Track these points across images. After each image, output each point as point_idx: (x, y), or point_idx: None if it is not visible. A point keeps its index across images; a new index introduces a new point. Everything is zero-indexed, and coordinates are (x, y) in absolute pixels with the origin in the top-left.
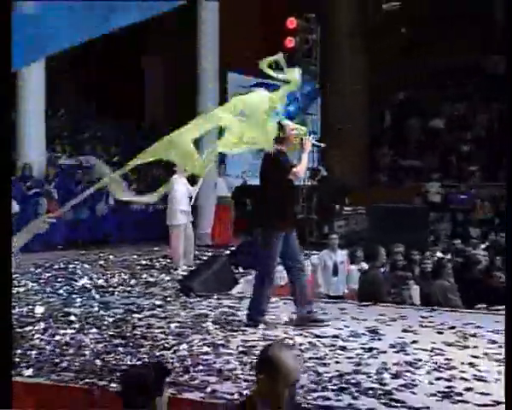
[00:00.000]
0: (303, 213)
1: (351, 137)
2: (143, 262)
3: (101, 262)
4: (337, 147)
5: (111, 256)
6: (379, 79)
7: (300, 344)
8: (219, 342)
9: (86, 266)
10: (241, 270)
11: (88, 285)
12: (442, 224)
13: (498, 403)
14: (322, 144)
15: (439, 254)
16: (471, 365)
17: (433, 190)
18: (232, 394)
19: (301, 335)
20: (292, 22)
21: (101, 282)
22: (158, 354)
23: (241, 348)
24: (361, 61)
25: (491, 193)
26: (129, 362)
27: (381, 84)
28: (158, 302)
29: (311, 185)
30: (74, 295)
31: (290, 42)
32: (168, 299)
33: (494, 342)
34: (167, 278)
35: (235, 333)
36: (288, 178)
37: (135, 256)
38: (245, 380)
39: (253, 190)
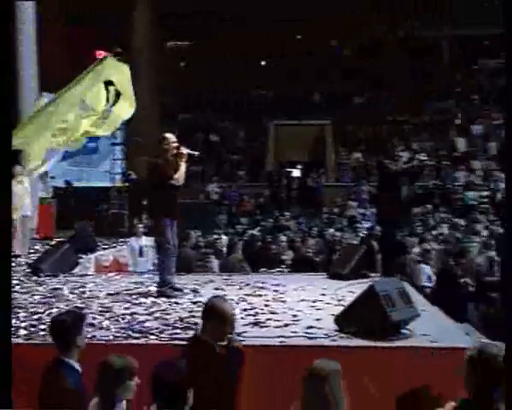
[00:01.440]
0: (116, 208)
1: (151, 147)
2: None
3: None
4: (142, 154)
5: None
6: (170, 100)
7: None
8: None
9: None
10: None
11: None
12: (222, 215)
13: (286, 325)
14: (197, 153)
15: (224, 237)
16: (266, 305)
17: (213, 190)
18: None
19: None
20: (100, 54)
21: None
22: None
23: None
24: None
25: (253, 191)
26: None
27: (172, 104)
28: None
29: (124, 186)
30: None
31: None
32: (22, 279)
33: (276, 291)
34: None
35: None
36: (170, 183)
37: None
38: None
39: (78, 190)
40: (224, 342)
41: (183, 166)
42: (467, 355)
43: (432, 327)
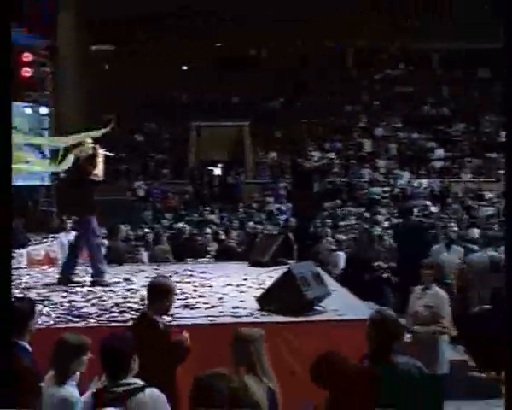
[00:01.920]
0: (45, 206)
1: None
2: None
3: None
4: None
5: None
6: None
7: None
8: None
9: None
10: None
11: None
12: (147, 211)
13: (213, 306)
14: (111, 154)
15: (147, 230)
16: (194, 290)
17: (139, 187)
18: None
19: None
20: (27, 56)
21: None
22: None
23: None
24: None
25: (177, 188)
26: None
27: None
28: None
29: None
30: None
31: (26, 72)
32: None
33: (203, 277)
34: None
35: None
36: (90, 178)
37: None
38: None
39: None
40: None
41: (100, 164)
42: (369, 319)
43: (341, 304)
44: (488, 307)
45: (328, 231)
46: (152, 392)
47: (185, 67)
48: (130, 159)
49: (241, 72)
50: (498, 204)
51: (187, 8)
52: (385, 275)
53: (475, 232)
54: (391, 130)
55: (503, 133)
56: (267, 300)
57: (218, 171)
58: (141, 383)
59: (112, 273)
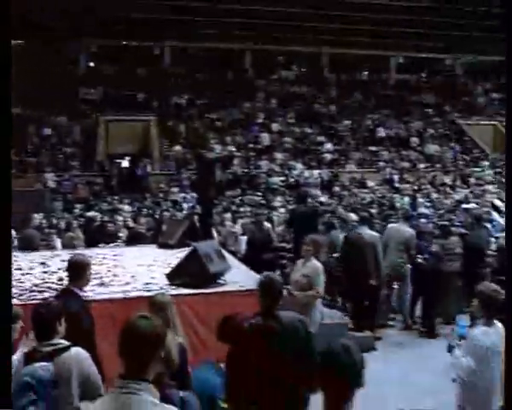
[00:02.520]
0: None
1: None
2: None
3: None
4: None
5: None
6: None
7: None
8: None
9: None
10: None
11: None
12: (58, 201)
13: (127, 283)
14: None
15: (58, 218)
16: (108, 271)
17: (49, 179)
18: None
19: None
20: None
21: None
22: None
23: None
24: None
25: (87, 180)
26: None
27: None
28: None
29: None
30: None
31: None
32: None
33: (115, 260)
34: None
35: None
36: None
37: None
38: None
39: None
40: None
41: None
42: (259, 282)
43: (241, 277)
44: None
45: (230, 216)
46: (77, 350)
47: (92, 64)
48: (39, 152)
49: (147, 68)
50: (377, 192)
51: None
52: (280, 254)
53: (353, 216)
54: (286, 125)
55: (381, 129)
56: (175, 275)
57: (125, 163)
58: (66, 343)
59: (28, 259)
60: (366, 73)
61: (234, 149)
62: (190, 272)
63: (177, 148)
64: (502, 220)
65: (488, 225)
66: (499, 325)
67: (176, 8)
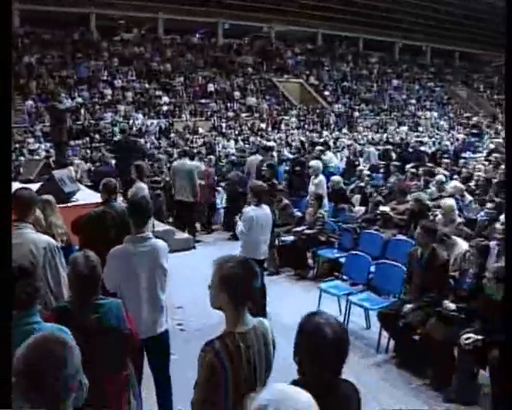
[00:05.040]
0: None
1: None
2: None
3: None
4: None
5: None
6: None
7: None
8: None
9: None
10: None
11: None
12: None
13: None
14: None
15: None
16: None
17: None
18: None
19: None
20: None
21: None
22: None
23: None
24: None
25: None
26: None
27: None
28: None
29: None
30: None
31: None
32: None
33: None
34: None
35: None
36: None
37: None
38: None
39: None
40: None
41: None
42: (101, 183)
43: (85, 196)
44: None
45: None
46: None
47: None
48: None
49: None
50: (207, 137)
51: None
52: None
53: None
54: (127, 82)
55: (210, 85)
56: (39, 194)
57: None
58: None
59: None
60: (197, 36)
61: (81, 102)
62: (49, 192)
63: (30, 102)
64: (286, 151)
65: (274, 154)
66: (265, 206)
67: None
